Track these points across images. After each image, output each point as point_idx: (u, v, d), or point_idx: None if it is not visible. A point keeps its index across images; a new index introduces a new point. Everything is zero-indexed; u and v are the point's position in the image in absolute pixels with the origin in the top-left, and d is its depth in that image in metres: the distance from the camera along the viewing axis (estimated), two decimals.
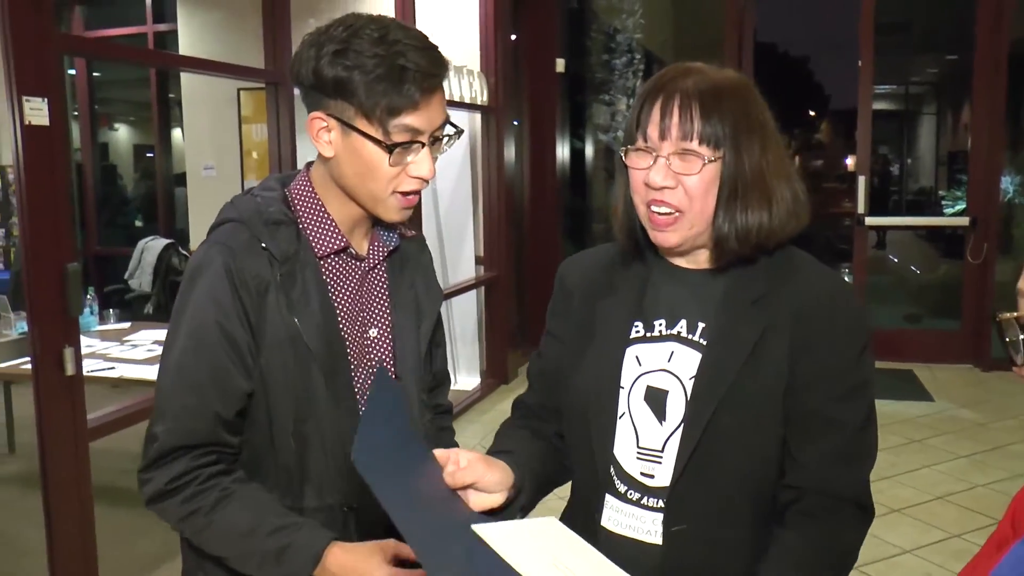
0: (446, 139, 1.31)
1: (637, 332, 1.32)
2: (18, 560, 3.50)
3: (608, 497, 1.32)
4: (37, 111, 2.45)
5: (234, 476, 1.29)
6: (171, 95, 7.32)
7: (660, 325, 1.31)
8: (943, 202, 8.45)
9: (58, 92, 2.53)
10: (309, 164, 1.39)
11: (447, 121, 1.30)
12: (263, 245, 1.28)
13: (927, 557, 3.43)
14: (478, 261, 5.97)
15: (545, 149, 6.82)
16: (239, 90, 5.66)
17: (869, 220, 6.39)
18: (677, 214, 1.23)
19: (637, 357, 1.31)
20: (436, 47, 1.28)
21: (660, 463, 1.27)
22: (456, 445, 1.46)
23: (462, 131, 1.34)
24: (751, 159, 1.22)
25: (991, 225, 6.10)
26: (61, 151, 2.56)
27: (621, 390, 1.31)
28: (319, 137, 1.28)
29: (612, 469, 1.31)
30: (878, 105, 6.48)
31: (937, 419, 5.14)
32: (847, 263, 6.69)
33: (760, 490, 1.26)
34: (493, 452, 1.34)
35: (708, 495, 1.24)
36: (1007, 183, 7.17)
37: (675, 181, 1.22)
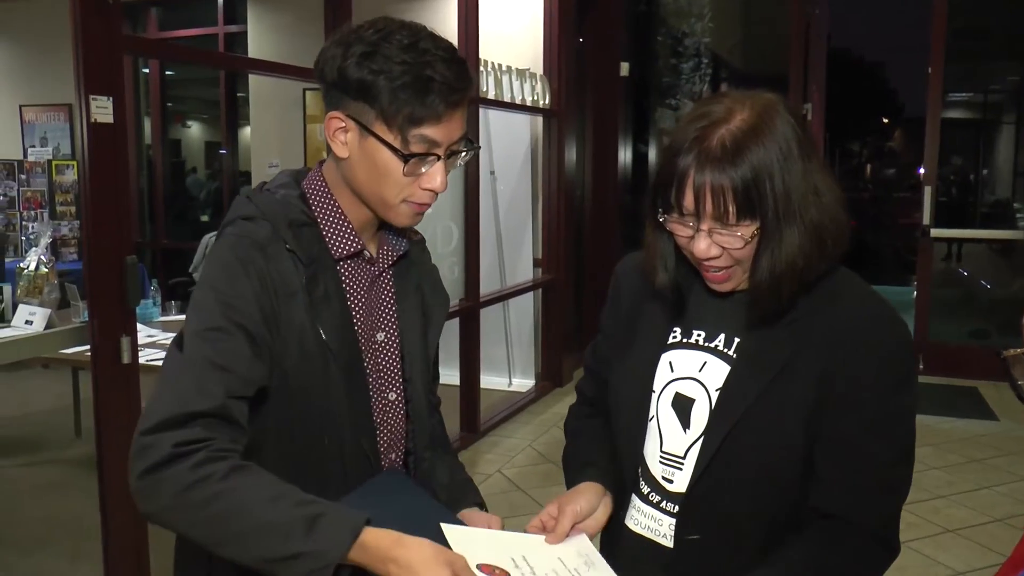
0: (462, 154, 1.30)
1: (674, 338, 1.34)
2: (76, 540, 3.63)
3: (634, 497, 1.36)
4: (102, 109, 2.55)
5: (244, 460, 1.16)
6: (240, 94, 7.49)
7: (699, 336, 1.32)
8: (1018, 215, 8.17)
9: (122, 91, 2.62)
10: (321, 162, 1.37)
11: (465, 136, 1.29)
12: (288, 247, 1.26)
13: None
14: (536, 264, 5.98)
15: (607, 153, 6.80)
16: (304, 90, 5.78)
17: (935, 232, 6.22)
18: (731, 267, 1.24)
19: (671, 363, 1.32)
20: (464, 61, 1.26)
21: (680, 469, 1.29)
22: (478, 494, 1.45)
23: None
24: (788, 202, 1.18)
25: None
26: (124, 148, 2.66)
27: (653, 393, 1.33)
28: (335, 137, 1.27)
29: (640, 470, 1.35)
30: (953, 113, 6.31)
31: (1000, 438, 4.98)
32: (914, 275, 6.52)
33: (776, 511, 1.24)
34: (573, 464, 1.42)
35: (721, 507, 1.25)
36: None
37: (720, 251, 1.21)
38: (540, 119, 5.83)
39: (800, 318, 1.23)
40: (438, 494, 1.43)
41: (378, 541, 1.07)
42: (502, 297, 5.64)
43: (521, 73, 5.40)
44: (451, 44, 1.27)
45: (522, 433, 5.04)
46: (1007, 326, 7.15)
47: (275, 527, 1.07)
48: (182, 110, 11.68)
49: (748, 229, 1.18)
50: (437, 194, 1.28)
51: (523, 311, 6.02)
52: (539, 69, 5.71)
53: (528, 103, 5.49)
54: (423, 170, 1.25)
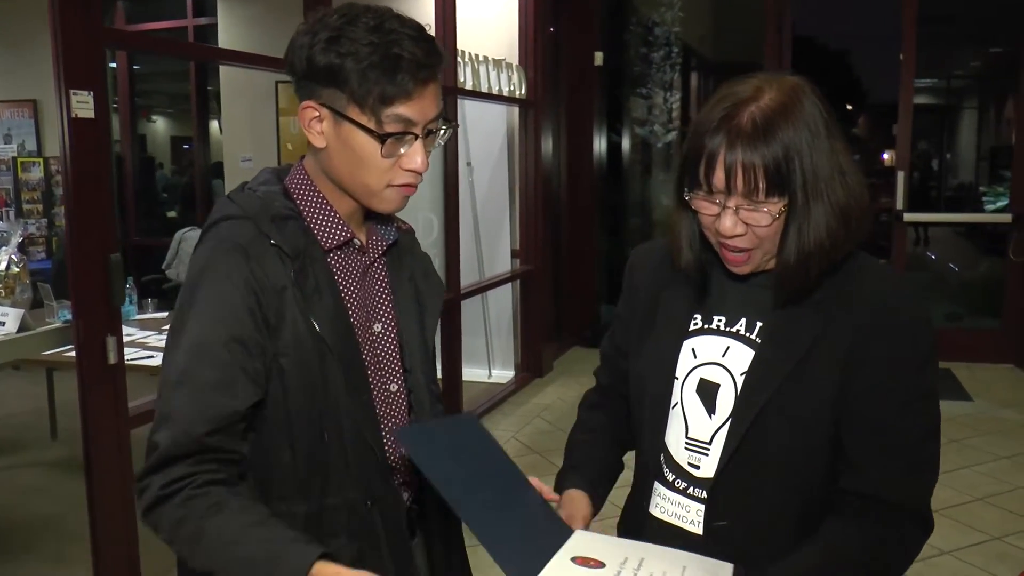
0: (440, 132, 1.28)
1: (696, 325, 1.34)
2: (62, 544, 3.57)
3: (657, 485, 1.36)
4: (83, 104, 2.49)
5: (232, 488, 1.20)
6: (209, 88, 7.39)
7: (720, 321, 1.32)
8: (984, 198, 8.29)
9: (103, 85, 2.56)
10: (303, 157, 1.35)
11: (441, 114, 1.27)
12: (272, 242, 1.23)
13: (967, 559, 3.38)
14: (514, 255, 5.97)
15: (582, 143, 6.80)
16: (277, 83, 5.71)
17: (908, 216, 6.30)
18: (750, 251, 1.25)
19: (693, 349, 1.33)
20: (432, 38, 1.25)
21: (707, 455, 1.29)
22: None
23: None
24: (829, 190, 1.20)
25: None
26: (106, 143, 2.60)
27: (676, 380, 1.33)
28: (311, 127, 1.25)
29: (662, 457, 1.35)
30: (917, 99, 6.36)
31: (977, 419, 5.06)
32: (885, 260, 6.60)
33: (807, 494, 1.25)
34: (567, 457, 1.48)
35: (750, 491, 1.25)
36: None
37: (745, 228, 1.22)
38: (516, 109, 5.81)
39: (823, 299, 1.24)
40: None
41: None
42: (481, 289, 5.62)
43: (498, 63, 5.37)
44: (419, 23, 1.25)
45: (505, 425, 5.03)
46: (979, 308, 7.29)
47: (241, 563, 1.14)
48: (147, 104, 11.51)
49: (776, 206, 1.19)
50: (420, 175, 1.27)
51: (502, 302, 6.01)
52: (515, 59, 5.68)
53: (505, 93, 5.46)
54: (402, 151, 1.24)
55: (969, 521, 3.72)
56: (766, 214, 1.19)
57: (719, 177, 1.19)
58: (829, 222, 1.20)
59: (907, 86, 6.16)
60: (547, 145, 6.11)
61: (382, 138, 1.22)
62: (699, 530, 1.29)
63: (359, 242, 1.34)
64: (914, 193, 6.93)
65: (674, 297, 1.37)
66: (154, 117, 12.03)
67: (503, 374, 6.02)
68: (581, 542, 1.23)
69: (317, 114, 1.24)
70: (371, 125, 1.21)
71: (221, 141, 6.59)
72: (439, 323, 1.47)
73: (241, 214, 1.26)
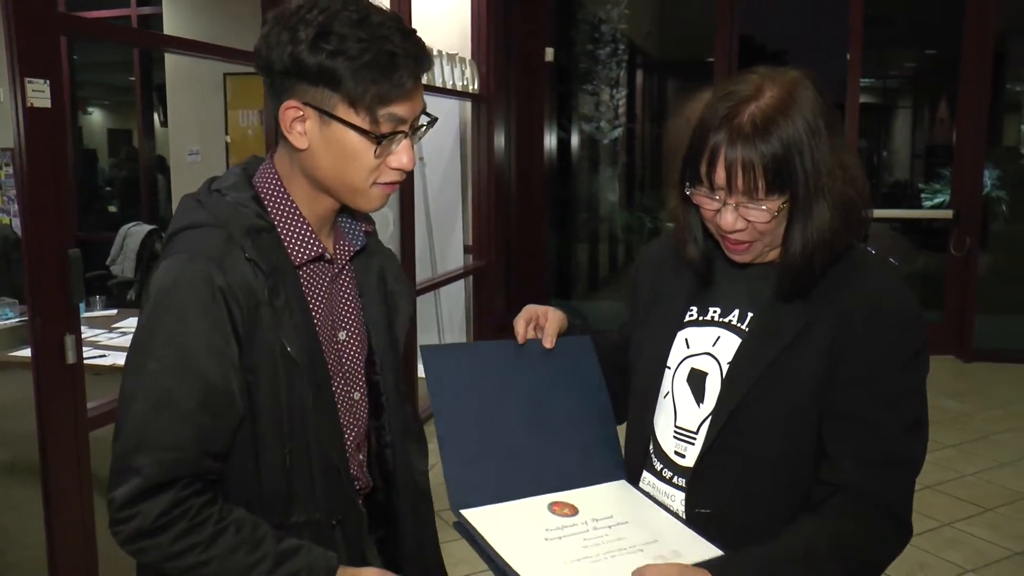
0: (422, 128, 1.27)
1: (691, 316, 1.36)
2: (14, 550, 3.44)
3: (645, 474, 1.37)
4: (39, 93, 2.40)
5: (220, 505, 1.20)
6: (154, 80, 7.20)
7: (715, 312, 1.34)
8: (922, 195, 8.53)
9: (60, 73, 2.47)
10: (272, 153, 1.30)
11: (424, 110, 1.26)
12: (247, 256, 1.19)
13: (921, 546, 3.47)
14: (467, 250, 5.94)
15: (534, 138, 6.80)
16: (225, 75, 5.59)
17: None
18: (751, 242, 1.26)
19: (687, 340, 1.34)
20: (415, 30, 1.23)
21: (693, 444, 1.30)
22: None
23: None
24: (817, 177, 1.20)
25: (974, 218, 6.17)
26: (63, 134, 2.51)
27: (667, 370, 1.35)
28: (292, 128, 1.20)
29: (651, 446, 1.36)
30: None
31: None
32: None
33: (788, 485, 1.25)
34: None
35: (731, 479, 1.26)
36: (985, 177, 7.24)
37: (745, 224, 1.23)
38: (469, 104, 5.78)
39: (816, 292, 1.25)
40: (419, 483, 1.43)
41: None
42: (436, 285, 5.58)
43: (451, 58, 5.34)
44: (398, 14, 1.23)
45: None
46: (919, 302, 7.48)
47: None
48: (83, 96, 11.18)
49: (775, 203, 1.20)
50: (406, 172, 1.25)
51: (454, 298, 5.98)
52: (467, 54, 5.65)
53: (458, 88, 5.43)
54: (392, 149, 1.22)
55: (920, 508, 3.78)
56: (766, 211, 1.21)
57: (720, 175, 1.20)
58: (831, 216, 1.21)
59: (854, 86, 6.28)
60: (500, 140, 6.09)
61: (378, 139, 1.19)
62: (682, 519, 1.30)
63: (328, 255, 1.31)
64: None
65: (673, 290, 1.39)
66: (90, 109, 11.68)
67: None
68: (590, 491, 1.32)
69: (301, 114, 1.19)
70: (365, 125, 1.18)
71: (164, 134, 6.43)
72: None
73: (212, 222, 1.21)
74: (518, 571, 1.14)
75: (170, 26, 5.78)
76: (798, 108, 1.20)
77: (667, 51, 10.14)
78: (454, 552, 1.61)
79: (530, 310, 1.40)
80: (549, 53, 6.75)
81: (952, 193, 6.51)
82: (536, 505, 1.28)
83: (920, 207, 8.39)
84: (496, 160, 5.99)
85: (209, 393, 1.15)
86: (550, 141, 7.09)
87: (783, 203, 1.20)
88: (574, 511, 1.27)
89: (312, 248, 1.27)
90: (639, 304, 1.46)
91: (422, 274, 5.49)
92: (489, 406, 1.32)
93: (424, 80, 4.31)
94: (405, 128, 1.22)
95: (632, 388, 1.41)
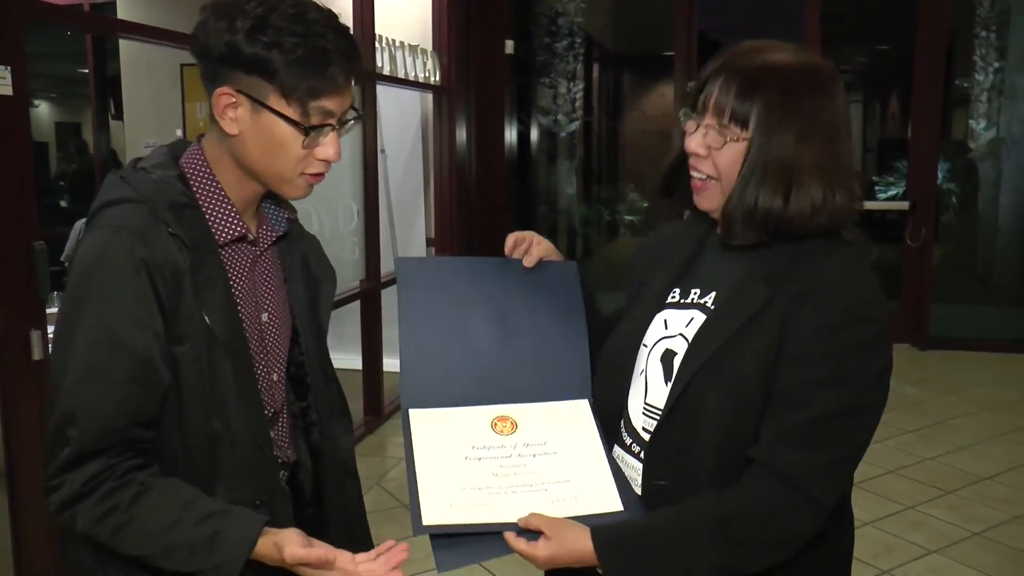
0: (350, 123, 1.30)
1: (673, 298, 1.38)
2: None
3: (616, 448, 1.39)
4: (1, 80, 2.32)
5: (151, 471, 1.22)
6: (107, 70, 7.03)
7: (695, 294, 1.35)
8: (876, 188, 8.68)
9: (23, 59, 2.40)
10: (200, 137, 1.33)
11: (352, 105, 1.30)
12: (170, 230, 1.21)
13: (886, 528, 3.54)
14: (429, 243, 5.91)
15: (494, 131, 6.77)
16: (182, 66, 5.48)
17: None
18: (710, 180, 1.29)
19: (665, 321, 1.36)
20: (348, 28, 1.27)
21: (658, 420, 1.30)
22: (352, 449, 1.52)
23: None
24: (779, 146, 1.22)
25: (929, 210, 6.30)
26: (25, 122, 2.44)
27: (644, 348, 1.37)
28: (224, 113, 1.23)
29: (622, 422, 1.39)
30: None
31: None
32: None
33: (738, 462, 1.24)
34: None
35: (683, 454, 1.26)
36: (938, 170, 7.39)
37: (707, 151, 1.27)
38: (430, 96, 5.74)
39: (780, 272, 1.25)
40: (345, 461, 1.49)
41: (267, 550, 1.19)
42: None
43: (413, 49, 5.30)
44: (334, 12, 1.27)
45: None
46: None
47: (179, 549, 1.18)
48: (30, 88, 10.89)
49: (736, 135, 1.23)
50: (331, 164, 1.29)
51: None
52: (428, 45, 5.61)
53: (420, 79, 5.39)
54: (320, 141, 1.26)
55: (884, 492, 3.89)
56: (723, 139, 1.24)
57: (705, 90, 1.26)
58: (792, 187, 1.22)
59: None
60: (461, 133, 6.06)
61: (307, 130, 1.23)
62: (639, 490, 1.32)
63: (251, 236, 1.34)
64: None
65: (660, 272, 1.42)
66: (36, 101, 11.38)
67: None
68: (557, 407, 1.36)
69: (233, 101, 1.23)
70: (296, 116, 1.22)
71: (116, 127, 6.29)
72: (358, 314, 1.49)
73: (136, 197, 1.23)
74: (418, 486, 1.20)
75: (124, 14, 5.65)
76: (806, 65, 1.24)
77: (624, 45, 10.20)
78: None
79: (522, 233, 1.46)
80: (509, 45, 6.73)
81: (907, 185, 6.63)
82: (481, 416, 1.31)
83: (874, 199, 8.55)
84: (457, 152, 5.96)
85: (135, 364, 1.18)
86: (511, 134, 7.08)
87: (742, 139, 1.23)
88: (514, 428, 1.30)
89: (235, 228, 1.30)
90: (633, 288, 1.48)
91: (384, 267, 5.45)
92: (456, 313, 1.35)
93: (387, 71, 4.31)
94: (333, 121, 1.26)
95: (604, 360, 1.43)
